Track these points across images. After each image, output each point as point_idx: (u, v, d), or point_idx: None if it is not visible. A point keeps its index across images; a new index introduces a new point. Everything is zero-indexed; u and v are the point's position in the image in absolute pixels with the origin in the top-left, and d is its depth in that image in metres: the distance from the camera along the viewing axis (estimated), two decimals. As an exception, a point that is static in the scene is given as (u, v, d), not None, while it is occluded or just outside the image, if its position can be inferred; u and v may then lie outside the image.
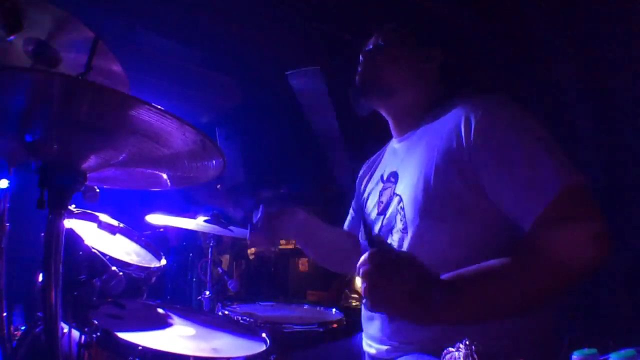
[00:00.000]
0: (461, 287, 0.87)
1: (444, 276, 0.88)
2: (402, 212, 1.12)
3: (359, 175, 1.49)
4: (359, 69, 1.28)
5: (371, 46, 1.28)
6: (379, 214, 1.22)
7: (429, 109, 1.22)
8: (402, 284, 0.82)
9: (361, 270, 0.84)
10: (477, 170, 1.00)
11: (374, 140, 1.45)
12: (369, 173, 1.42)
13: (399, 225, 1.12)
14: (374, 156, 1.46)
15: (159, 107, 0.75)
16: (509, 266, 0.89)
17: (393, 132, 1.33)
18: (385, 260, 0.83)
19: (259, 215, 1.38)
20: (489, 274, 0.90)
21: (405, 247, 1.09)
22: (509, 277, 0.89)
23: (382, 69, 1.24)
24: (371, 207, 1.29)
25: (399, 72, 1.24)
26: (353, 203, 1.52)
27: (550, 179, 0.91)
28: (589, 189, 0.92)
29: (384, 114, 1.32)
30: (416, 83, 1.24)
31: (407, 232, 1.09)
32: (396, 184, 1.19)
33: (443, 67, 1.25)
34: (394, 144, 1.33)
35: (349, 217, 1.55)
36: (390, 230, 1.16)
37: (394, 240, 1.14)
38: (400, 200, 1.13)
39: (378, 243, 0.92)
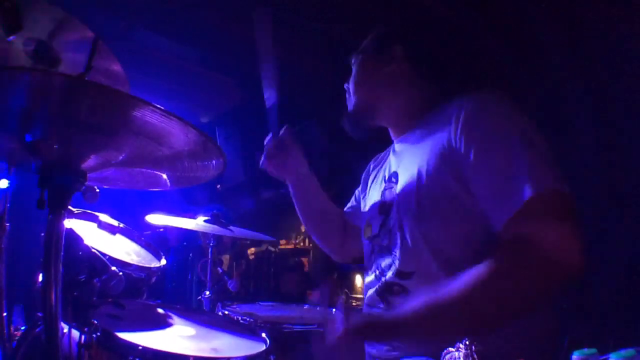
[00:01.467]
0: (417, 321, 0.91)
1: (400, 313, 0.94)
2: (400, 212, 1.12)
3: (369, 168, 1.50)
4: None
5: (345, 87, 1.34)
6: (380, 213, 1.23)
7: (424, 107, 1.23)
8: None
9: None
10: (464, 167, 1.00)
11: (377, 139, 1.45)
12: (376, 170, 1.44)
13: (399, 224, 1.13)
14: (383, 152, 1.47)
15: (160, 107, 0.75)
16: (474, 280, 0.88)
17: (392, 136, 1.34)
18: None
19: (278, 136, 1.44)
20: (455, 299, 0.89)
21: (403, 246, 1.10)
22: (480, 293, 0.88)
23: (358, 94, 1.28)
24: (373, 205, 1.31)
25: (372, 88, 1.27)
26: (357, 191, 1.52)
27: (528, 180, 0.89)
28: (567, 195, 0.89)
29: (381, 125, 1.34)
30: (392, 88, 1.24)
31: (405, 232, 1.10)
32: (397, 184, 1.20)
33: (410, 60, 1.24)
34: (396, 145, 1.34)
35: (350, 202, 1.56)
36: (389, 230, 1.17)
37: (392, 240, 1.15)
38: (400, 199, 1.14)
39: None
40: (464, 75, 1.33)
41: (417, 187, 1.08)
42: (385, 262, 1.17)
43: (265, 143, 1.47)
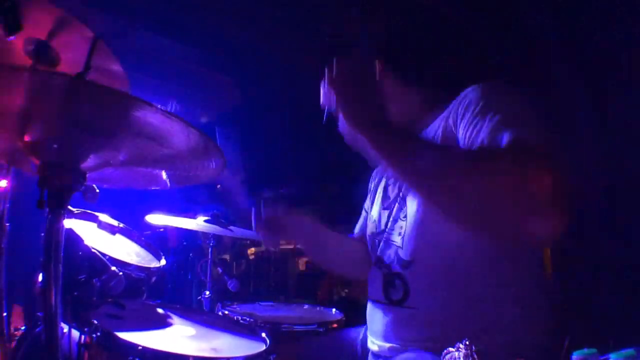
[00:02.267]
0: (398, 143, 0.90)
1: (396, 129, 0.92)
2: (404, 203, 1.14)
3: (372, 174, 1.50)
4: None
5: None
6: (384, 208, 1.25)
7: (421, 111, 1.23)
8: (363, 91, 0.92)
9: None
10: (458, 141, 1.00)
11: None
12: (380, 172, 1.45)
13: (401, 214, 1.15)
14: None
15: (161, 107, 0.75)
16: (460, 155, 0.90)
17: None
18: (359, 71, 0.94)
19: (262, 215, 1.38)
20: (439, 152, 0.91)
21: (407, 235, 1.11)
22: (452, 155, 0.90)
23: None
24: (378, 201, 1.32)
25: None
26: (366, 204, 1.52)
27: (511, 130, 0.87)
28: (550, 146, 0.86)
29: None
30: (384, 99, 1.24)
31: (406, 219, 1.12)
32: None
33: (395, 70, 1.24)
34: None
35: (360, 219, 1.54)
36: (395, 221, 1.18)
37: (397, 230, 1.16)
38: (404, 192, 1.16)
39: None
40: (456, 73, 1.32)
41: None
42: (387, 254, 1.18)
43: (253, 219, 1.41)
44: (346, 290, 2.99)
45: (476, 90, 1.04)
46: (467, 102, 1.02)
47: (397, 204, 1.19)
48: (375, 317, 1.18)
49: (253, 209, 1.38)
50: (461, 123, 1.00)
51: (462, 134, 0.98)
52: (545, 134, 0.89)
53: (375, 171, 1.51)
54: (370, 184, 1.49)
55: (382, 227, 1.23)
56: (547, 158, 0.83)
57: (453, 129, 1.04)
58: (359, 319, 1.30)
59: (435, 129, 1.13)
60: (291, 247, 3.89)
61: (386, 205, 1.25)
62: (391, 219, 1.21)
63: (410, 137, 0.95)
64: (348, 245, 1.49)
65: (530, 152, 0.83)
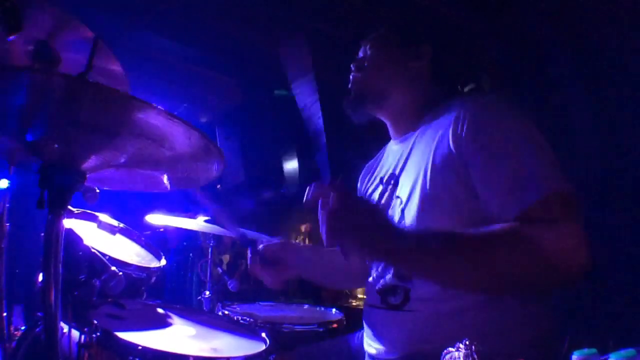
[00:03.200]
0: (416, 246, 0.88)
1: (406, 231, 0.92)
2: (402, 214, 1.12)
3: (360, 176, 1.48)
4: (351, 79, 1.29)
5: (360, 55, 1.30)
6: None
7: (426, 108, 1.23)
8: (362, 225, 0.86)
9: (324, 208, 0.87)
10: (468, 168, 1.00)
11: (374, 140, 1.45)
12: (369, 174, 1.42)
13: (397, 219, 1.13)
14: (374, 158, 1.46)
15: (162, 108, 0.75)
16: (484, 239, 0.89)
17: (391, 134, 1.33)
18: (349, 203, 0.88)
19: (257, 252, 1.39)
20: (455, 240, 0.90)
21: None
22: (473, 247, 0.88)
23: (373, 76, 1.26)
24: None
25: (389, 75, 1.25)
26: None
27: (536, 181, 0.90)
28: (573, 196, 0.90)
29: (381, 117, 1.32)
30: (408, 83, 1.25)
31: (407, 225, 1.10)
32: (397, 187, 1.19)
33: (434, 63, 1.25)
34: (393, 145, 1.33)
35: None
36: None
37: None
38: (402, 202, 1.14)
39: (340, 186, 0.93)
40: (473, 77, 1.33)
41: (420, 188, 1.08)
42: (383, 265, 1.17)
43: (249, 264, 1.43)
44: (346, 292, 2.99)
45: (478, 117, 1.03)
46: (478, 126, 1.01)
47: (392, 210, 1.17)
48: (373, 320, 1.18)
49: (249, 251, 1.39)
50: (473, 150, 0.99)
51: (481, 169, 0.98)
52: (564, 172, 0.92)
53: (364, 170, 1.49)
54: (360, 183, 1.47)
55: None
56: (579, 211, 0.89)
57: (457, 145, 1.03)
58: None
59: (432, 136, 1.11)
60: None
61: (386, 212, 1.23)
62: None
63: (424, 241, 0.91)
64: (341, 259, 1.49)
65: (561, 206, 0.88)
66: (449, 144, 1.04)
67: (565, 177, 0.92)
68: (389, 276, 1.13)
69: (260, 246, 1.40)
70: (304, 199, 0.94)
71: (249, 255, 1.41)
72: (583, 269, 0.85)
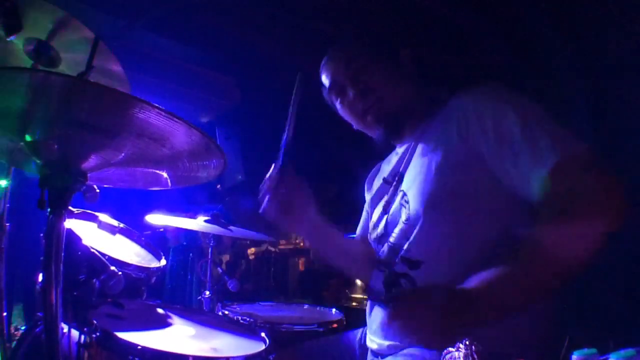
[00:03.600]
0: (485, 294, 0.87)
1: (467, 287, 0.88)
2: (406, 206, 1.13)
3: (367, 178, 1.50)
4: (363, 109, 1.22)
5: (354, 90, 1.23)
6: (383, 212, 1.24)
7: (424, 110, 1.23)
8: (432, 315, 0.83)
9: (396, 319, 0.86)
10: (479, 155, 1.01)
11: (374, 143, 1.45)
12: (375, 176, 1.45)
13: (403, 217, 1.14)
14: (378, 164, 1.48)
15: (162, 108, 0.75)
16: (518, 264, 0.89)
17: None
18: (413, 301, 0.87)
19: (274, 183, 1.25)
20: (503, 276, 0.89)
21: (409, 239, 1.11)
22: (519, 273, 0.88)
23: (390, 99, 1.21)
24: (376, 206, 1.32)
25: (396, 89, 1.22)
26: (366, 205, 1.51)
27: (550, 148, 0.91)
28: (592, 153, 0.92)
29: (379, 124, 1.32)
30: (400, 87, 1.23)
31: (410, 224, 1.11)
32: (400, 183, 1.21)
33: (419, 61, 1.25)
34: (397, 149, 1.34)
35: (362, 220, 1.53)
36: (394, 224, 1.18)
37: (396, 233, 1.15)
38: (404, 195, 1.15)
39: (396, 294, 0.92)
40: (463, 75, 1.33)
41: (425, 181, 1.09)
42: (391, 256, 1.17)
43: (266, 179, 1.28)
44: (346, 291, 2.99)
45: (480, 107, 1.04)
46: (483, 113, 1.02)
47: (400, 206, 1.18)
48: (376, 316, 1.18)
49: (275, 165, 1.26)
50: (484, 147, 1.00)
51: (497, 152, 0.99)
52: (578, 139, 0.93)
53: (372, 172, 1.50)
54: (367, 186, 1.48)
55: (386, 229, 1.22)
56: (599, 164, 0.89)
57: (460, 141, 1.04)
58: (363, 320, 1.30)
59: (436, 134, 1.12)
60: (291, 246, 3.89)
61: (386, 209, 1.24)
62: (390, 220, 1.20)
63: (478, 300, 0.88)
64: (352, 245, 1.48)
65: (584, 169, 0.89)
66: (455, 139, 1.06)
67: (575, 138, 0.93)
68: (398, 265, 1.14)
69: (288, 173, 1.26)
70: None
71: (272, 169, 1.27)
72: (622, 213, 0.88)
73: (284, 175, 1.24)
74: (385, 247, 1.20)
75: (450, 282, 1.03)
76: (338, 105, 1.29)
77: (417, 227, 1.09)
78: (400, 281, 1.11)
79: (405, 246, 1.12)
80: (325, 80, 1.30)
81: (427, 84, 1.26)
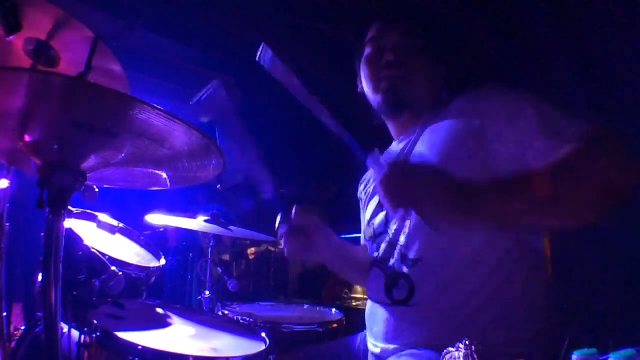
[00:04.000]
0: (493, 191, 0.87)
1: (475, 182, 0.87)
2: None
3: (362, 180, 1.49)
4: (389, 75, 1.22)
5: (389, 45, 1.24)
6: (380, 208, 1.25)
7: (428, 107, 1.25)
8: (428, 184, 0.84)
9: (382, 182, 0.85)
10: (492, 145, 1.00)
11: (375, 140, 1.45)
12: (370, 179, 1.44)
13: (403, 215, 1.13)
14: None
15: (162, 109, 0.75)
16: (543, 174, 0.87)
17: (394, 134, 1.34)
18: (407, 166, 0.87)
19: (289, 221, 1.30)
20: (520, 180, 0.88)
21: (407, 232, 1.11)
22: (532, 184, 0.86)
23: (418, 85, 1.23)
24: (373, 204, 1.31)
25: (426, 84, 1.25)
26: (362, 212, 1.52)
27: (567, 126, 0.92)
28: (611, 132, 0.92)
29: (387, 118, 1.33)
30: (423, 82, 1.25)
31: (409, 218, 1.12)
32: None
33: (449, 69, 1.28)
34: (395, 145, 1.34)
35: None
36: (393, 221, 1.18)
37: (397, 228, 1.16)
38: None
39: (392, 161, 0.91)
40: (464, 76, 1.33)
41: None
42: (391, 255, 1.17)
43: (278, 230, 1.33)
44: (346, 291, 2.99)
45: (498, 95, 1.05)
46: (490, 104, 1.03)
47: None
48: (377, 318, 1.17)
49: (280, 213, 1.31)
50: (506, 132, 1.00)
51: (514, 137, 0.98)
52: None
53: (364, 177, 1.49)
54: (360, 191, 1.47)
55: (383, 228, 1.23)
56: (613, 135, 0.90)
57: (465, 137, 1.05)
58: (363, 320, 1.29)
59: (439, 131, 1.13)
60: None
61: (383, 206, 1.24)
62: (392, 219, 1.20)
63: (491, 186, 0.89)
64: (365, 254, 1.45)
65: (597, 136, 0.89)
66: (459, 133, 1.06)
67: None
68: (395, 262, 1.13)
69: (294, 213, 1.31)
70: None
71: (279, 217, 1.32)
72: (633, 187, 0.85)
73: (291, 219, 1.30)
74: (384, 244, 1.20)
75: (451, 278, 1.04)
76: (364, 59, 1.29)
77: (418, 225, 1.09)
78: (400, 281, 1.11)
79: (404, 243, 1.12)
80: (371, 32, 1.29)
81: (443, 85, 1.28)
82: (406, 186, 0.85)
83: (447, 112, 1.15)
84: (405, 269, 1.11)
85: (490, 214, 0.88)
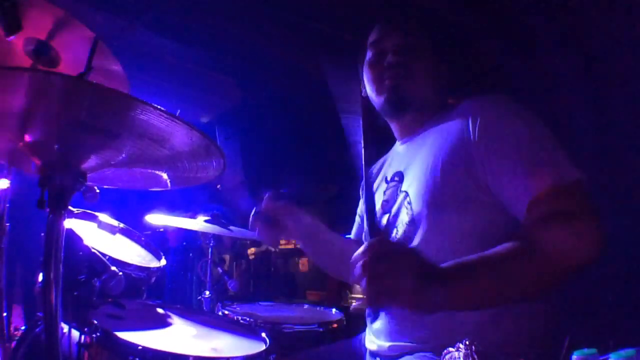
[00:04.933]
0: (460, 276, 0.87)
1: (444, 265, 0.88)
2: (408, 207, 1.13)
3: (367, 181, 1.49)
4: (392, 75, 1.22)
5: (394, 42, 1.24)
6: (383, 212, 1.24)
7: (431, 110, 1.25)
8: (402, 273, 0.81)
9: (360, 262, 0.82)
10: (481, 163, 1.02)
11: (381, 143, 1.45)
12: (373, 177, 1.43)
13: (405, 218, 1.13)
14: (379, 162, 1.47)
15: (162, 109, 0.75)
16: (507, 255, 0.89)
17: (397, 135, 1.34)
18: (384, 249, 0.83)
19: (261, 209, 1.39)
20: (486, 263, 0.90)
21: (414, 240, 1.10)
22: (507, 265, 0.89)
23: (421, 84, 1.23)
24: (376, 207, 1.30)
25: (429, 84, 1.25)
26: (358, 209, 1.52)
27: (547, 169, 0.93)
28: (585, 185, 0.93)
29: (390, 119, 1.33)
30: (431, 92, 1.25)
31: (414, 225, 1.11)
32: (401, 182, 1.20)
33: (450, 70, 1.28)
34: (398, 147, 1.34)
35: (355, 224, 1.53)
36: (395, 225, 1.17)
37: (399, 233, 1.15)
38: (407, 195, 1.15)
39: (378, 233, 0.91)
40: (476, 80, 1.34)
41: (429, 181, 1.09)
42: None
43: (250, 219, 1.41)
44: (346, 291, 2.99)
45: (487, 115, 1.05)
46: (489, 122, 1.03)
47: (396, 207, 1.18)
48: (377, 318, 1.17)
49: (254, 207, 1.39)
50: (486, 145, 1.02)
51: (490, 170, 1.00)
52: (574, 166, 0.95)
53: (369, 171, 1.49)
54: (361, 189, 1.48)
55: (387, 229, 1.22)
56: (591, 198, 0.91)
57: (463, 145, 1.05)
58: (363, 320, 1.30)
59: (442, 135, 1.13)
60: (291, 246, 3.89)
61: (386, 208, 1.24)
62: (391, 221, 1.20)
63: (458, 278, 0.88)
64: (347, 246, 1.47)
65: (572, 203, 0.91)
66: (460, 143, 1.06)
67: (573, 165, 0.95)
68: None
69: (264, 200, 1.39)
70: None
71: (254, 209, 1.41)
72: (598, 252, 0.88)
73: (267, 207, 1.38)
74: None
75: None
76: (366, 62, 1.30)
77: (420, 228, 1.09)
78: None
79: (401, 241, 1.12)
80: (371, 36, 1.30)
81: (445, 86, 1.28)
82: (388, 278, 0.82)
83: (450, 114, 1.15)
84: None
85: (463, 298, 0.89)
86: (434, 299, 0.83)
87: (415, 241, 1.10)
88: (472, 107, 1.09)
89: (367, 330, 1.23)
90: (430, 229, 1.07)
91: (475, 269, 0.89)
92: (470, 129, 1.05)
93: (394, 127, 1.34)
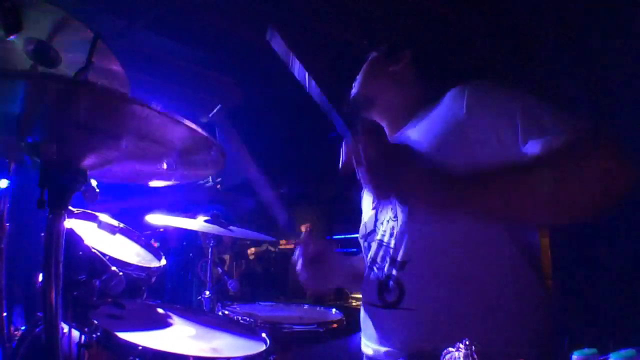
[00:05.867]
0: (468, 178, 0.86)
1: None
2: (393, 202, 1.14)
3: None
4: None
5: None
6: (373, 208, 1.25)
7: (418, 104, 1.26)
8: (401, 161, 0.83)
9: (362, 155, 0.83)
10: (474, 136, 1.01)
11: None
12: None
13: (390, 214, 1.15)
14: None
15: (161, 108, 0.75)
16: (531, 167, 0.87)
17: (387, 132, 1.35)
18: (377, 137, 0.86)
19: (306, 254, 1.31)
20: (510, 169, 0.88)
21: (400, 235, 1.11)
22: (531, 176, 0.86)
23: (360, 86, 1.34)
24: (367, 204, 1.32)
25: (373, 83, 1.33)
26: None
27: (557, 121, 0.92)
28: (602, 129, 0.92)
29: (376, 118, 1.35)
30: (394, 85, 1.31)
31: (397, 220, 1.12)
32: None
33: (416, 63, 1.32)
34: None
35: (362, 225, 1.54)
36: (383, 223, 1.19)
37: (385, 229, 1.16)
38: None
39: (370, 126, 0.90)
40: (462, 76, 1.34)
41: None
42: (380, 256, 1.17)
43: (295, 262, 1.34)
44: (346, 291, 2.99)
45: (490, 88, 1.07)
46: (479, 95, 1.05)
47: (386, 204, 1.18)
48: (370, 320, 1.17)
49: (300, 249, 1.31)
50: (479, 118, 1.02)
51: (507, 126, 0.98)
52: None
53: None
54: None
55: (372, 227, 1.23)
56: (597, 131, 0.90)
57: (464, 121, 1.05)
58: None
59: (430, 122, 1.14)
60: (291, 246, 3.89)
61: (375, 205, 1.25)
62: (380, 219, 1.20)
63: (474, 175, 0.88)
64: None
65: (590, 135, 0.89)
66: (449, 128, 1.07)
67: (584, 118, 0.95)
68: (386, 266, 1.13)
69: (305, 241, 1.32)
70: (341, 162, 0.93)
71: (298, 253, 1.32)
72: (632, 189, 0.83)
73: (305, 250, 1.31)
74: (374, 243, 1.20)
75: (441, 279, 1.03)
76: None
77: (405, 225, 1.09)
78: (389, 283, 1.11)
79: (393, 245, 1.12)
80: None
81: (426, 84, 1.29)
82: (388, 166, 0.84)
83: (440, 102, 1.16)
84: (394, 272, 1.10)
85: (475, 203, 0.87)
86: (440, 192, 0.82)
87: (399, 237, 1.11)
88: (456, 92, 1.11)
89: (362, 334, 1.22)
90: (414, 225, 1.08)
91: (496, 176, 0.86)
92: (457, 110, 1.06)
93: (384, 125, 1.35)
